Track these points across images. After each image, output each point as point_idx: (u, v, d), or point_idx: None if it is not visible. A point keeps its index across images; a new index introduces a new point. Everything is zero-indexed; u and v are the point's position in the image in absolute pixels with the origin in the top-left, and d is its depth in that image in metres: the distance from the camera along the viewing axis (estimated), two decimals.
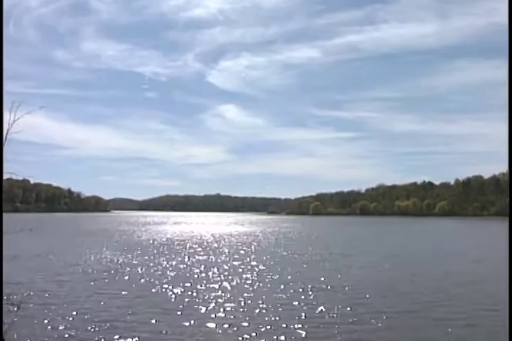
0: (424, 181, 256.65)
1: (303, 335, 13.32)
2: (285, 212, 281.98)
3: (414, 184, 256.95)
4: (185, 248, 42.91)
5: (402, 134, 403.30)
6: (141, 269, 27.30)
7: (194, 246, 45.40)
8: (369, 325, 14.53)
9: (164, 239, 54.92)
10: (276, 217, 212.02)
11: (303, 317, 15.33)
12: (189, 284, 21.85)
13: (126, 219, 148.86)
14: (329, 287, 21.47)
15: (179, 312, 15.88)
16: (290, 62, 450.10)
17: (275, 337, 13.11)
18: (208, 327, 14.13)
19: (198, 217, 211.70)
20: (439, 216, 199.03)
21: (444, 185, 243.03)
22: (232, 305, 17.29)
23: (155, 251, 38.79)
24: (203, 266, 28.78)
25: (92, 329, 13.64)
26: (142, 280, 23.07)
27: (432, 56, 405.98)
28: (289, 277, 24.37)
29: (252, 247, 44.45)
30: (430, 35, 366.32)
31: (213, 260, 32.57)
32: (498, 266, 27.29)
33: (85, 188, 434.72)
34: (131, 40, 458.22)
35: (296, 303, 17.61)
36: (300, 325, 14.25)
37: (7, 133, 8.95)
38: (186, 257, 34.31)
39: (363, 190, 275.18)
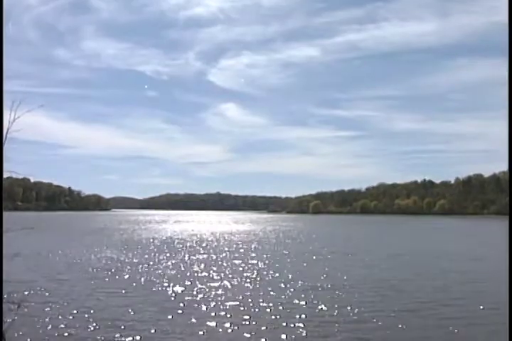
0: (425, 180, 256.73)
1: (303, 334, 13.33)
2: (285, 211, 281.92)
3: (415, 182, 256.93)
4: (186, 246, 42.93)
5: (403, 133, 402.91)
6: (142, 268, 27.31)
7: (194, 244, 45.42)
8: (370, 323, 14.53)
9: (165, 238, 54.95)
10: (276, 216, 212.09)
11: (303, 316, 15.33)
12: (189, 283, 21.86)
13: (127, 218, 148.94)
14: (330, 286, 21.46)
15: (179, 311, 15.89)
16: (290, 60, 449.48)
17: (276, 336, 13.11)
18: (208, 325, 14.13)
19: (198, 215, 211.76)
20: (440, 214, 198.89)
21: (445, 184, 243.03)
22: (233, 303, 17.29)
23: (155, 250, 38.81)
24: (203, 265, 28.80)
25: (93, 328, 13.65)
26: (142, 279, 23.08)
27: (433, 55, 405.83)
28: (290, 276, 24.37)
29: (253, 246, 44.46)
30: (430, 34, 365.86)
31: (213, 258, 32.57)
32: (498, 265, 27.27)
33: (86, 187, 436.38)
34: (132, 38, 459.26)
35: (297, 302, 17.61)
36: (301, 324, 14.25)
37: (7, 132, 8.94)
38: (186, 256, 34.32)
39: (363, 188, 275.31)
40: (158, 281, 22.28)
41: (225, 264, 29.34)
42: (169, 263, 29.80)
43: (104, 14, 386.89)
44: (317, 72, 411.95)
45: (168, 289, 20.25)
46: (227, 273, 25.45)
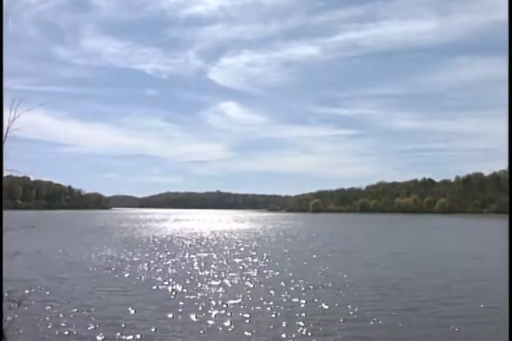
0: (425, 178, 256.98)
1: (304, 332, 13.33)
2: (285, 210, 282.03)
3: (415, 181, 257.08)
4: (186, 245, 42.94)
5: (403, 131, 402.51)
6: (142, 266, 27.32)
7: (194, 243, 45.43)
8: (370, 322, 14.53)
9: (165, 236, 54.96)
10: (276, 214, 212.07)
11: (303, 315, 15.33)
12: (189, 281, 21.87)
13: (127, 217, 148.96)
14: (330, 284, 21.47)
15: (180, 310, 15.89)
16: (290, 59, 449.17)
17: (276, 335, 13.12)
18: (208, 324, 14.13)
19: (198, 214, 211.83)
20: (440, 213, 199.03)
21: (445, 182, 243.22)
22: (233, 302, 17.29)
23: (155, 249, 38.83)
24: (203, 263, 28.81)
25: (93, 327, 13.65)
26: (143, 278, 23.09)
27: (433, 53, 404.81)
28: (290, 274, 24.37)
29: (253, 244, 44.46)
30: (430, 32, 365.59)
31: (214, 257, 32.58)
32: (498, 263, 27.27)
33: (86, 185, 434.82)
34: (132, 37, 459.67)
35: (297, 300, 17.61)
36: (301, 323, 14.25)
37: (7, 131, 8.93)
38: (187, 254, 34.33)
39: (363, 187, 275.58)
40: (158, 280, 22.29)
41: (225, 263, 29.35)
42: (169, 261, 29.81)
43: (104, 12, 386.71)
44: (317, 71, 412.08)
45: (168, 288, 20.26)
46: (227, 271, 25.45)
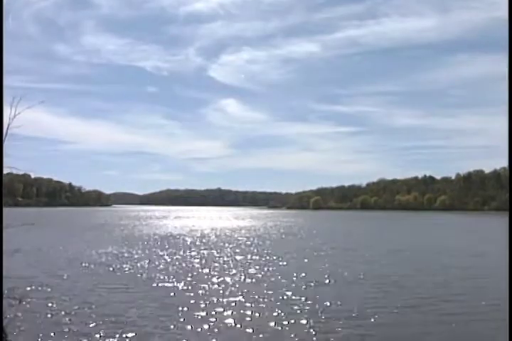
0: (425, 175, 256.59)
1: (305, 330, 13.33)
2: (286, 207, 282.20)
3: (415, 178, 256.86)
4: (186, 242, 42.97)
5: (403, 129, 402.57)
6: (142, 263, 27.34)
7: (195, 240, 45.46)
8: (371, 319, 14.53)
9: (165, 234, 54.99)
10: (276, 212, 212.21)
11: (305, 312, 15.34)
12: (190, 278, 21.88)
13: (127, 214, 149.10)
14: (330, 282, 21.50)
15: (180, 307, 15.89)
16: (290, 56, 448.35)
17: (276, 332, 13.12)
18: (209, 321, 14.13)
19: (198, 211, 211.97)
20: (440, 210, 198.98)
21: (445, 180, 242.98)
22: (233, 299, 17.30)
23: (156, 246, 38.86)
24: (203, 261, 28.83)
25: (94, 324, 13.65)
26: (143, 275, 23.10)
27: (433, 50, 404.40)
28: (291, 271, 24.37)
29: (253, 241, 44.49)
30: (431, 30, 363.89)
31: (214, 254, 32.60)
32: (499, 261, 27.27)
33: (86, 183, 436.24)
34: (132, 34, 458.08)
35: (298, 298, 17.61)
36: (302, 320, 14.26)
37: (8, 128, 8.91)
38: (187, 251, 34.34)
39: (363, 184, 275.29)
40: (159, 277, 22.30)
41: (225, 260, 29.37)
42: (170, 258, 29.83)
43: (104, 9, 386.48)
44: (317, 68, 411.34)
45: (169, 285, 20.27)
46: (228, 269, 25.47)
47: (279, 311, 15.42)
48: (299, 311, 15.46)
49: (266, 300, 17.22)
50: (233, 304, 16.50)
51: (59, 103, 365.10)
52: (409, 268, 26.73)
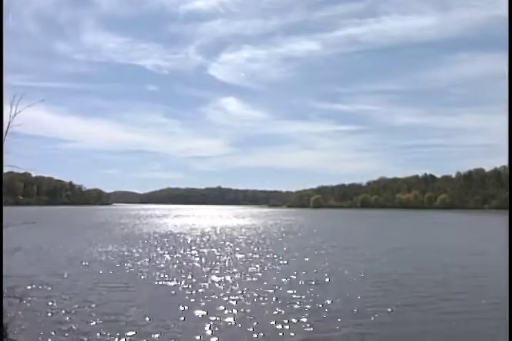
0: (426, 174, 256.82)
1: (305, 328, 13.34)
2: (286, 205, 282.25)
3: (416, 177, 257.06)
4: (187, 241, 42.98)
5: (403, 127, 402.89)
6: (143, 262, 27.36)
7: (195, 239, 45.47)
8: (371, 318, 14.54)
9: (165, 232, 55.00)
10: (277, 210, 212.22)
11: (305, 311, 15.35)
12: (190, 277, 21.89)
13: (128, 212, 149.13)
14: (330, 280, 21.50)
15: (181, 306, 15.90)
16: (291, 54, 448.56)
17: (276, 330, 13.13)
18: (210, 319, 14.13)
19: (199, 209, 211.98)
20: (440, 209, 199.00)
21: (446, 178, 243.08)
22: (234, 298, 17.31)
23: (156, 244, 38.87)
24: (204, 259, 28.83)
25: (94, 322, 13.67)
26: (144, 273, 23.11)
27: (433, 49, 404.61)
28: (291, 270, 24.38)
29: (254, 240, 44.50)
30: (431, 28, 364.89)
31: (214, 253, 32.61)
32: (499, 259, 27.27)
33: (87, 181, 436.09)
34: (132, 32, 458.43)
35: (298, 296, 17.62)
36: (303, 319, 14.26)
37: (8, 127, 8.91)
38: (187, 250, 34.36)
39: (364, 182, 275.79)
40: (159, 276, 22.31)
41: (226, 259, 29.38)
42: (170, 257, 29.85)
43: (104, 8, 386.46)
44: (317, 66, 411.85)
45: (169, 283, 20.27)
46: (228, 267, 25.48)
47: (280, 310, 15.42)
48: (298, 309, 15.47)
49: (266, 298, 17.22)
50: (233, 303, 16.51)
51: (59, 101, 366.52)
52: (410, 266, 26.74)
